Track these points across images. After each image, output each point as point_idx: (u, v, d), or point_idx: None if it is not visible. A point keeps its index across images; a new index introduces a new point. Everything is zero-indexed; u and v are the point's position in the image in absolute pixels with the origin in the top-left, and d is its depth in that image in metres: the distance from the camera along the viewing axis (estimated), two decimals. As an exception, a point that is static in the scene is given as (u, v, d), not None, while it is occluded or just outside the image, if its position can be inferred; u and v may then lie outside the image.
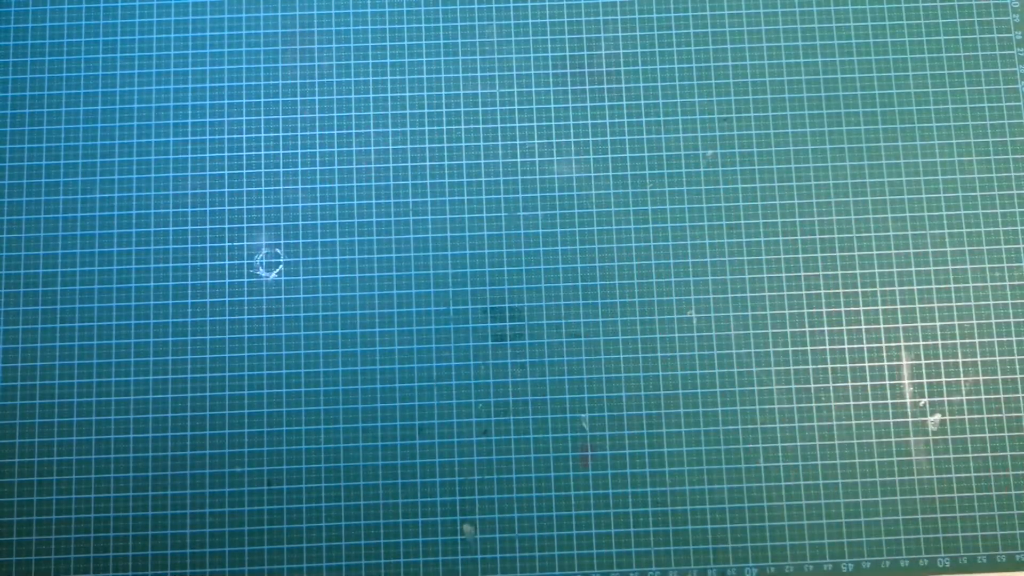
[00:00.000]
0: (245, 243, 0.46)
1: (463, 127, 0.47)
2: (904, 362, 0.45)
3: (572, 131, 0.47)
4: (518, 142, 0.47)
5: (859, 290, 0.46)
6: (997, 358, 0.45)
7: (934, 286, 0.46)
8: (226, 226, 0.46)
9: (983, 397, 0.45)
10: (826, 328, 0.45)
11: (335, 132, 0.47)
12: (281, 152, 0.47)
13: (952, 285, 0.46)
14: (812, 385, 0.45)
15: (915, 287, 0.46)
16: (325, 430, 0.44)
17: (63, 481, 0.44)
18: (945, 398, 0.45)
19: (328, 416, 0.44)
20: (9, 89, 0.47)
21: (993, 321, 0.45)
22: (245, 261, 0.46)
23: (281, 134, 0.47)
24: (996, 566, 0.44)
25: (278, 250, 0.46)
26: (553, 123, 0.47)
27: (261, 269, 0.46)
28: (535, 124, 0.47)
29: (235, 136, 0.47)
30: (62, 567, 0.43)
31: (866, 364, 0.45)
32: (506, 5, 0.48)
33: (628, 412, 0.44)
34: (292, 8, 0.48)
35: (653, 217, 0.46)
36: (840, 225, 0.46)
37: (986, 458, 0.44)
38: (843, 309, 0.45)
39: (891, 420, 0.45)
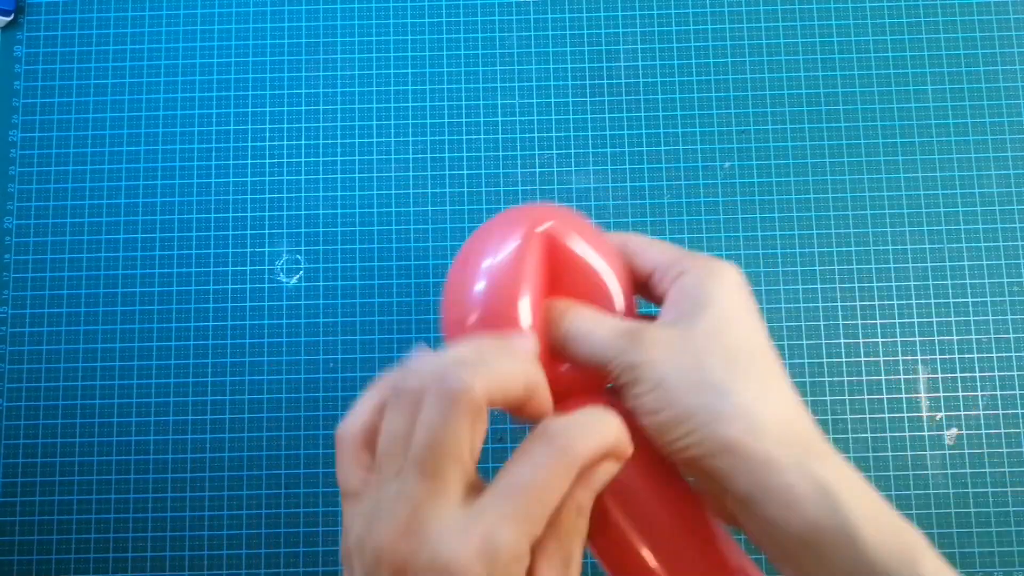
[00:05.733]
0: (266, 249, 0.46)
1: (482, 136, 0.47)
2: (921, 375, 0.45)
3: (590, 141, 0.47)
4: (536, 152, 0.47)
5: (876, 303, 0.46)
6: (1015, 372, 0.45)
7: (951, 300, 0.46)
8: (248, 232, 0.47)
9: (1000, 412, 0.45)
10: (842, 340, 0.45)
11: (356, 141, 0.47)
12: (303, 160, 0.47)
13: (970, 299, 0.46)
14: (828, 398, 0.45)
15: (932, 300, 0.46)
16: (342, 435, 0.45)
17: (65, 482, 0.45)
18: (962, 412, 0.45)
19: (345, 421, 0.45)
20: (38, 95, 0.48)
21: (1011, 336, 0.45)
22: (266, 267, 0.46)
23: (303, 143, 0.47)
24: (1013, 582, 0.43)
25: (298, 256, 0.46)
26: (572, 133, 0.47)
27: (282, 275, 0.46)
28: (554, 134, 0.47)
29: (258, 144, 0.47)
30: (63, 567, 0.44)
31: (883, 377, 0.45)
32: (526, 16, 0.49)
33: (643, 421, 0.44)
34: (315, 20, 0.49)
35: (670, 227, 0.46)
36: (857, 238, 0.46)
37: (1003, 472, 0.44)
38: (860, 322, 0.45)
39: (907, 434, 0.44)
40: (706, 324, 0.26)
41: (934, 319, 0.45)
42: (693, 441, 0.25)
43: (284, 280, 0.46)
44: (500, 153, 0.47)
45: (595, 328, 0.27)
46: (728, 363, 0.26)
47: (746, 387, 0.25)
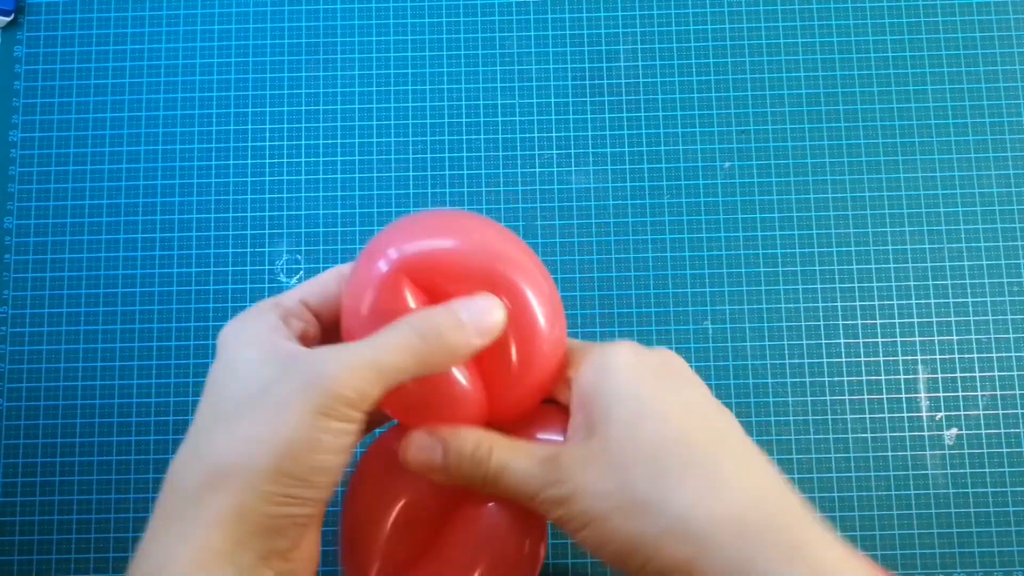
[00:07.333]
0: (266, 249, 0.46)
1: (482, 137, 0.47)
2: (921, 375, 0.45)
3: (590, 141, 0.47)
4: (536, 152, 0.47)
5: (876, 303, 0.46)
6: (1015, 372, 0.45)
7: (951, 299, 0.46)
8: (248, 232, 0.47)
9: (1000, 412, 0.45)
10: (842, 340, 0.45)
11: (356, 141, 0.47)
12: (303, 160, 0.47)
13: (969, 299, 0.46)
14: (828, 397, 0.45)
15: (932, 300, 0.46)
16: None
17: (65, 482, 0.45)
18: (962, 412, 0.45)
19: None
20: (38, 95, 0.48)
21: (1011, 336, 0.45)
22: (266, 267, 0.46)
23: (303, 143, 0.47)
24: (1013, 582, 0.43)
25: (298, 256, 0.46)
26: (572, 133, 0.47)
27: (282, 275, 0.46)
28: (554, 134, 0.47)
29: (258, 144, 0.47)
30: (62, 567, 0.44)
31: (882, 377, 0.45)
32: (526, 16, 0.49)
33: (643, 421, 0.44)
34: (315, 20, 0.49)
35: (670, 228, 0.46)
36: (857, 238, 0.46)
37: (1003, 472, 0.44)
38: (859, 321, 0.45)
39: (907, 434, 0.44)
40: (617, 432, 0.24)
41: (934, 319, 0.45)
42: (652, 569, 0.23)
43: (284, 280, 0.46)
44: (500, 153, 0.47)
45: (511, 459, 0.25)
46: (655, 470, 0.23)
47: (682, 491, 0.23)
